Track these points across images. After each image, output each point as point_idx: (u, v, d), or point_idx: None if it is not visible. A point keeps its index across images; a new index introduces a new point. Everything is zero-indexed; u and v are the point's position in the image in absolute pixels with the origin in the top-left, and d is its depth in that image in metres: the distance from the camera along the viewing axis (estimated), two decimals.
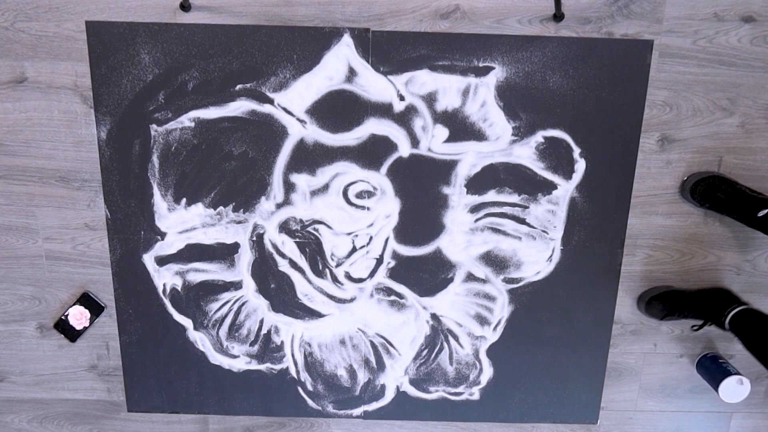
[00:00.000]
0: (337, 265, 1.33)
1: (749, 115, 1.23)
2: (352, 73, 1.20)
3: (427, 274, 1.33)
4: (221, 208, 1.28)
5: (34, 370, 1.45)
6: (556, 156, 1.24)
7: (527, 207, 1.28)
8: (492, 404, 1.44)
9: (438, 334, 1.38)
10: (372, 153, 1.24)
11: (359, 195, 1.28)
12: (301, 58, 1.19)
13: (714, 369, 1.33)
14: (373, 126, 1.23)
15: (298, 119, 1.22)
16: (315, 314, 1.36)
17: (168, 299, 1.35)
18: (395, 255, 1.32)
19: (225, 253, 1.32)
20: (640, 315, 1.38)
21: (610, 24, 1.17)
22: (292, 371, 1.41)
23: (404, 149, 1.24)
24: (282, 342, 1.39)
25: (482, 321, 1.37)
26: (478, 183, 1.26)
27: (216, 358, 1.40)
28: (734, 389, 1.29)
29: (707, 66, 1.20)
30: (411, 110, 1.22)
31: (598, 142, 1.23)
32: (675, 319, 1.32)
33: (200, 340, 1.39)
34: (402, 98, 1.21)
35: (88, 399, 1.47)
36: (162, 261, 1.32)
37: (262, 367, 1.41)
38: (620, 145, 1.24)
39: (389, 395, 1.44)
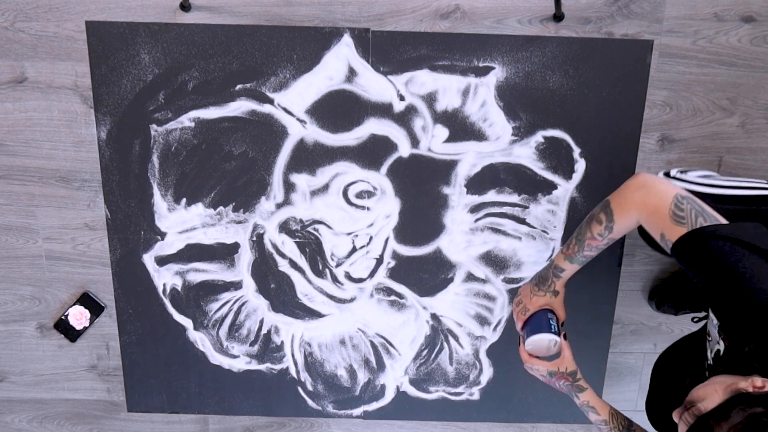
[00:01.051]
0: (337, 265, 1.33)
1: (749, 115, 1.23)
2: (352, 73, 1.20)
3: (427, 274, 1.33)
4: (221, 208, 1.28)
5: (34, 370, 1.45)
6: (556, 156, 1.24)
7: (527, 207, 1.28)
8: (492, 404, 1.44)
9: (438, 334, 1.38)
10: (372, 153, 1.24)
11: (359, 195, 1.28)
12: (301, 58, 1.19)
13: (537, 321, 1.03)
14: (373, 126, 1.23)
15: (298, 119, 1.22)
16: (315, 314, 1.36)
17: (168, 299, 1.35)
18: (395, 255, 1.32)
19: (225, 253, 1.32)
20: (641, 315, 1.38)
21: (610, 24, 1.17)
22: (292, 371, 1.41)
23: (404, 149, 1.24)
24: (282, 342, 1.39)
25: (482, 321, 1.37)
26: (478, 183, 1.26)
27: (216, 358, 1.40)
28: (539, 346, 1.03)
29: (707, 66, 1.20)
30: (411, 110, 1.22)
31: (598, 142, 1.23)
32: (687, 313, 1.33)
33: (200, 340, 1.39)
34: (402, 98, 1.21)
35: (88, 399, 1.47)
36: (162, 261, 1.32)
37: (262, 367, 1.41)
38: (620, 145, 1.24)
39: (389, 395, 1.44)
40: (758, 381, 0.68)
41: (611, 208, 0.87)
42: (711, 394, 0.70)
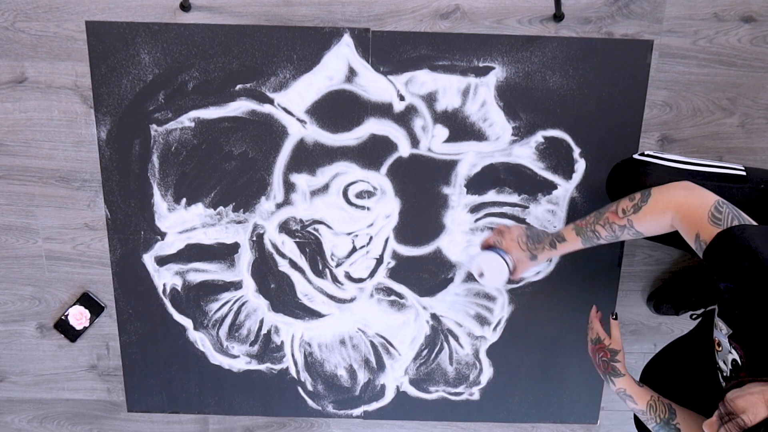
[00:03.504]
0: (337, 265, 1.33)
1: (749, 115, 1.23)
2: (352, 73, 1.20)
3: (427, 274, 1.33)
4: (221, 208, 1.28)
5: (34, 370, 1.45)
6: (556, 156, 1.24)
7: (527, 207, 1.28)
8: (492, 404, 1.44)
9: (438, 334, 1.38)
10: (372, 153, 1.24)
11: (359, 195, 1.28)
12: (301, 58, 1.19)
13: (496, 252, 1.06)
14: (373, 126, 1.23)
15: (298, 119, 1.22)
16: (315, 314, 1.36)
17: (168, 299, 1.35)
18: (395, 255, 1.32)
19: (225, 253, 1.32)
20: (641, 315, 1.38)
21: (610, 24, 1.17)
22: (292, 371, 1.41)
23: (404, 149, 1.24)
24: (282, 342, 1.39)
25: (482, 321, 1.37)
26: (478, 183, 1.26)
27: (216, 358, 1.40)
28: (490, 266, 1.05)
29: (707, 66, 1.20)
30: (411, 110, 1.22)
31: (598, 142, 1.23)
32: (687, 312, 1.32)
33: (200, 340, 1.39)
34: (402, 98, 1.21)
35: (88, 399, 1.47)
36: (162, 261, 1.32)
37: (262, 367, 1.41)
38: (620, 145, 1.24)
39: (389, 395, 1.44)
40: None
41: (650, 192, 0.87)
42: (754, 405, 0.67)
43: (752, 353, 0.78)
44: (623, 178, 1.01)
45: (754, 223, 0.75)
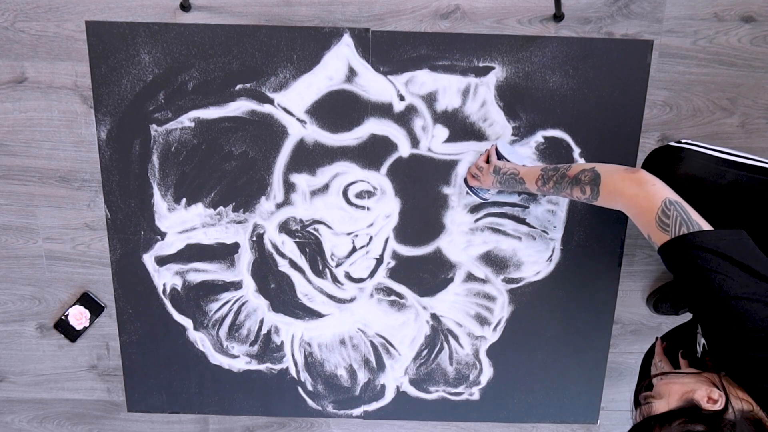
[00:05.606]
0: (337, 265, 1.33)
1: (749, 115, 1.23)
2: (352, 73, 1.20)
3: (427, 274, 1.33)
4: (221, 208, 1.28)
5: (34, 370, 1.45)
6: (556, 156, 1.24)
7: (527, 207, 1.28)
8: (492, 404, 1.44)
9: (438, 334, 1.38)
10: (372, 153, 1.24)
11: (359, 195, 1.28)
12: (301, 58, 1.19)
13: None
14: (373, 126, 1.23)
15: (298, 119, 1.22)
16: (315, 314, 1.36)
17: (168, 299, 1.35)
18: (395, 255, 1.32)
19: (225, 253, 1.32)
20: (641, 315, 1.38)
21: (610, 24, 1.17)
22: (292, 371, 1.41)
23: (404, 149, 1.24)
24: (282, 342, 1.39)
25: (482, 321, 1.37)
26: None
27: (216, 358, 1.40)
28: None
29: (707, 66, 1.20)
30: (411, 110, 1.22)
31: (598, 142, 1.23)
32: (687, 312, 1.33)
33: (200, 340, 1.39)
34: (402, 98, 1.21)
35: (88, 399, 1.47)
36: (162, 261, 1.32)
37: (262, 367, 1.41)
38: (620, 145, 1.24)
39: (389, 395, 1.44)
40: (715, 394, 0.69)
41: (599, 189, 0.89)
42: (671, 395, 0.71)
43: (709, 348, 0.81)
44: (658, 164, 0.98)
45: (703, 227, 0.75)
